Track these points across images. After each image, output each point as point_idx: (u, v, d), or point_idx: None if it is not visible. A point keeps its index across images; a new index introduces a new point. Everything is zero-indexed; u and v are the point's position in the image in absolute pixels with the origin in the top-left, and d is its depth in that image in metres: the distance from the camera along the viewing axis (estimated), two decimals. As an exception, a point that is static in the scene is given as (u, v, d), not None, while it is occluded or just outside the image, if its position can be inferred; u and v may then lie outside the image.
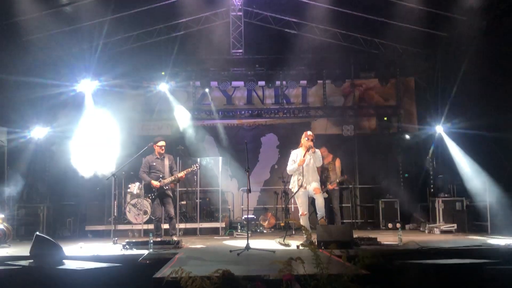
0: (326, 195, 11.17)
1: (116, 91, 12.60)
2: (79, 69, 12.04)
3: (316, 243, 7.54)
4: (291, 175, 9.18)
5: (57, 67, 12.03)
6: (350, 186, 12.36)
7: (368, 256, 4.12)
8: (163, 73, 12.81)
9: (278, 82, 13.31)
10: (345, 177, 11.68)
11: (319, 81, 13.52)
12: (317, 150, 8.92)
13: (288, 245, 8.43)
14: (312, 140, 8.82)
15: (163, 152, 9.45)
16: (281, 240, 8.75)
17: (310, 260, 4.05)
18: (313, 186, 8.84)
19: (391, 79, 13.52)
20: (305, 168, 8.83)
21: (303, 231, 8.48)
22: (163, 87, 12.96)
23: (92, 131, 11.56)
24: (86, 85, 12.27)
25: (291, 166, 9.01)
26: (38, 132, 12.11)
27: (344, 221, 12.75)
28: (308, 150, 8.80)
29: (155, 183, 9.15)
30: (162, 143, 9.47)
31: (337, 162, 11.65)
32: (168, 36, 12.64)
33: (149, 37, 12.53)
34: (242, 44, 12.42)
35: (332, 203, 11.47)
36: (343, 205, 12.97)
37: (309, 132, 8.99)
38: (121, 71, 12.02)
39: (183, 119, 13.13)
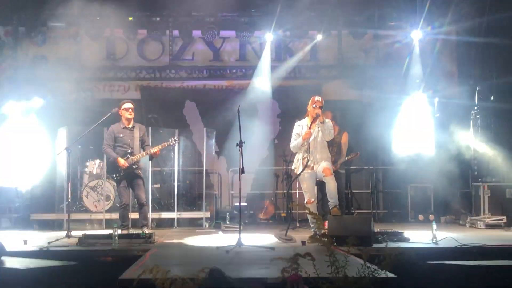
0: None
1: (70, 42, 12.46)
2: (24, 9, 11.89)
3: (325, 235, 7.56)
4: (295, 153, 9.17)
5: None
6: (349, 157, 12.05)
7: (394, 254, 4.13)
8: (130, 18, 12.66)
9: (280, 32, 13.20)
10: (357, 154, 11.60)
11: (333, 32, 13.43)
12: (327, 120, 8.88)
13: (290, 239, 8.46)
14: (320, 108, 8.76)
15: (131, 117, 9.39)
16: (281, 234, 8.79)
17: (322, 258, 4.05)
18: (323, 166, 8.76)
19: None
20: (311, 144, 8.80)
21: (311, 222, 8.61)
22: (132, 36, 12.81)
23: (37, 90, 11.46)
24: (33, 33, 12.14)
25: (294, 141, 8.99)
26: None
27: (362, 211, 12.82)
28: (315, 120, 8.77)
29: (122, 161, 9.12)
30: (128, 104, 9.41)
31: (344, 137, 11.53)
32: (138, -31, 12.50)
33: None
34: (233, -20, 12.35)
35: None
36: (362, 191, 13.02)
37: (317, 98, 8.93)
38: (77, 15, 11.86)
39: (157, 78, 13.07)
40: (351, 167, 12.60)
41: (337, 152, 11.40)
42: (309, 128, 8.75)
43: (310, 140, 8.79)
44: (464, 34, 13.21)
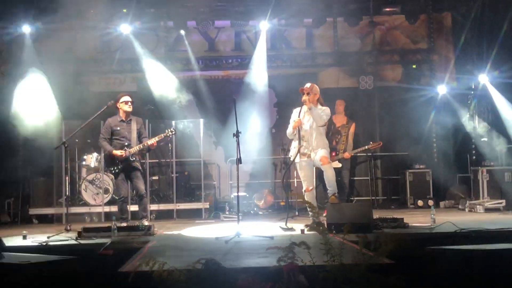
0: (339, 165, 11.24)
1: (64, 35, 12.41)
2: (15, 6, 11.83)
3: (326, 226, 7.58)
4: (292, 140, 9.17)
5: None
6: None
7: (392, 240, 4.12)
8: (125, 10, 12.62)
9: (275, 21, 13.15)
10: (379, 144, 11.69)
11: (328, 19, 13.40)
12: (316, 107, 8.80)
13: (292, 229, 8.48)
14: (307, 94, 8.77)
15: (130, 110, 9.39)
16: (282, 224, 8.80)
17: (318, 246, 4.05)
18: (320, 154, 8.72)
19: (421, 15, 13.38)
20: (307, 131, 8.81)
21: (309, 210, 8.60)
22: (126, 29, 12.78)
23: (35, 87, 11.44)
24: (25, 28, 12.07)
25: (290, 128, 9.01)
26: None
27: (361, 198, 12.86)
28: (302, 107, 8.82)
29: (118, 152, 9.11)
30: (126, 98, 9.39)
31: (352, 128, 11.70)
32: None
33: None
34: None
35: (341, 175, 11.54)
36: (361, 178, 13.05)
37: (306, 85, 8.94)
38: (70, 8, 11.80)
39: (152, 70, 13.01)
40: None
41: (345, 141, 11.49)
42: (299, 116, 8.79)
43: (306, 128, 8.79)
44: (459, 17, 13.21)
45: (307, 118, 8.83)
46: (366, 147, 11.58)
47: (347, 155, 11.47)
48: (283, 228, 8.62)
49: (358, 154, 12.46)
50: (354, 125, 11.76)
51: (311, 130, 8.82)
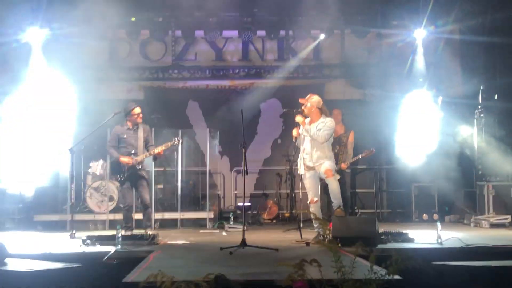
0: (338, 176, 11.15)
1: (73, 42, 12.43)
2: (24, 12, 11.86)
3: (331, 239, 7.52)
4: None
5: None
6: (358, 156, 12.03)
7: (403, 257, 4.07)
8: (133, 18, 12.64)
9: (282, 32, 13.17)
10: (372, 151, 11.61)
11: (335, 31, 13.38)
12: (317, 120, 8.66)
13: (308, 242, 8.34)
14: (304, 106, 8.72)
15: (140, 121, 9.43)
16: (291, 235, 8.76)
17: (328, 262, 4.01)
18: (325, 167, 8.57)
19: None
20: (308, 144, 8.75)
21: (314, 222, 8.55)
22: (133, 37, 12.77)
23: (42, 94, 11.46)
24: (34, 34, 12.09)
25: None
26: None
27: (366, 211, 12.80)
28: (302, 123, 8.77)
29: (126, 159, 9.10)
30: (138, 109, 9.45)
31: (351, 136, 11.57)
32: (140, -30, 12.46)
33: (115, -29, 12.32)
34: (236, -20, 12.31)
35: (344, 188, 11.46)
36: (366, 190, 12.99)
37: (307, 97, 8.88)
38: (80, 16, 11.83)
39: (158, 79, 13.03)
40: (357, 167, 12.58)
41: (344, 152, 11.40)
42: (299, 129, 8.78)
43: (307, 140, 8.72)
44: (468, 33, 13.17)
45: (304, 131, 8.78)
46: (360, 156, 11.47)
47: (343, 166, 11.25)
48: (298, 242, 8.52)
49: (363, 166, 12.42)
50: (352, 133, 11.56)
51: (311, 143, 8.69)
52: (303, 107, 8.72)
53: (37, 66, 12.06)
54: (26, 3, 11.77)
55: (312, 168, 8.72)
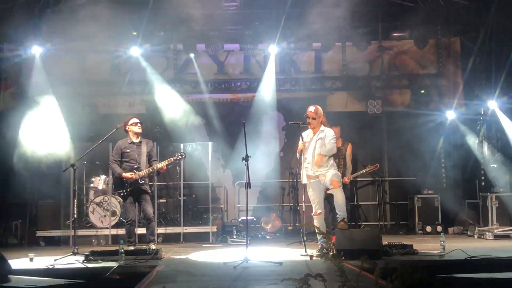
0: None
1: (74, 57, 12.49)
2: (26, 28, 11.91)
3: (335, 252, 7.51)
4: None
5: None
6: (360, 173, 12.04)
7: (409, 271, 4.06)
8: (135, 33, 12.68)
9: (284, 45, 13.19)
10: (377, 166, 11.65)
11: (337, 43, 13.39)
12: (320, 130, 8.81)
13: (312, 256, 8.31)
14: (313, 119, 8.77)
15: (140, 131, 9.41)
16: (295, 249, 8.74)
17: (332, 276, 3.99)
18: (331, 178, 8.60)
19: (430, 40, 13.39)
20: (309, 154, 8.77)
21: (318, 236, 8.52)
22: (135, 51, 12.83)
23: (44, 109, 11.47)
24: (35, 50, 12.14)
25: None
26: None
27: (369, 223, 12.78)
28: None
29: (128, 174, 9.09)
30: (135, 120, 9.42)
31: (349, 149, 11.58)
32: (141, -15, 12.51)
33: (116, -14, 12.37)
34: (237, -7, 12.36)
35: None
36: (369, 203, 12.98)
37: (310, 109, 8.90)
38: (81, 30, 11.87)
39: (161, 93, 13.03)
40: (358, 179, 12.57)
41: (344, 164, 11.39)
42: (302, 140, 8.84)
43: (309, 151, 8.76)
44: (468, 43, 13.22)
45: (313, 142, 8.79)
46: (364, 171, 11.53)
47: (346, 180, 11.25)
48: (318, 256, 8.47)
49: (366, 179, 12.41)
50: (350, 146, 11.60)
51: (313, 153, 8.74)
52: (310, 120, 8.74)
53: (39, 80, 12.09)
54: (28, 19, 11.82)
55: (315, 177, 8.73)
